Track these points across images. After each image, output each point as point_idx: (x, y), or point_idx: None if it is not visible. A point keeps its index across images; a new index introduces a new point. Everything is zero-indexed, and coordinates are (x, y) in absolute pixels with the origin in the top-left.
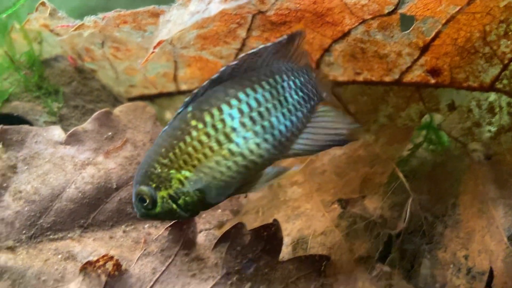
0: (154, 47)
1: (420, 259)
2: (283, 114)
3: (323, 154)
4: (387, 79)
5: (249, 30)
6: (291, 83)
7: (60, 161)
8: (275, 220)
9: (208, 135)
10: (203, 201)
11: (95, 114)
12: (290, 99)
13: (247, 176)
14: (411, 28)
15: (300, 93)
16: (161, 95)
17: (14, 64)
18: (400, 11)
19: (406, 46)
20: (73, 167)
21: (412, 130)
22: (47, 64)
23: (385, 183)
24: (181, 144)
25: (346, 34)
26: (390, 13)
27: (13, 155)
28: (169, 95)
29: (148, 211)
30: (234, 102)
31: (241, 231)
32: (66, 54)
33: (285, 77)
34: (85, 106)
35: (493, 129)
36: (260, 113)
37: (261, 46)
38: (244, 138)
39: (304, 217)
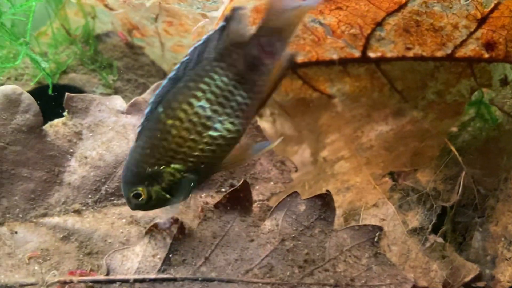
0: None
1: (471, 232)
2: (245, 90)
3: (369, 131)
4: (438, 54)
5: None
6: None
7: (122, 129)
8: (327, 190)
9: (187, 129)
10: (194, 185)
11: (154, 85)
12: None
13: (230, 151)
14: None
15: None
16: None
17: (70, 37)
18: None
19: (464, 18)
20: (135, 135)
21: (463, 105)
22: (99, 39)
23: (437, 157)
24: (164, 143)
25: (402, 6)
26: None
27: (78, 122)
28: None
29: (143, 204)
30: (199, 94)
31: (296, 199)
32: (117, 30)
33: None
34: (137, 80)
35: None
36: (225, 97)
37: (205, 36)
38: (220, 121)
39: (354, 189)
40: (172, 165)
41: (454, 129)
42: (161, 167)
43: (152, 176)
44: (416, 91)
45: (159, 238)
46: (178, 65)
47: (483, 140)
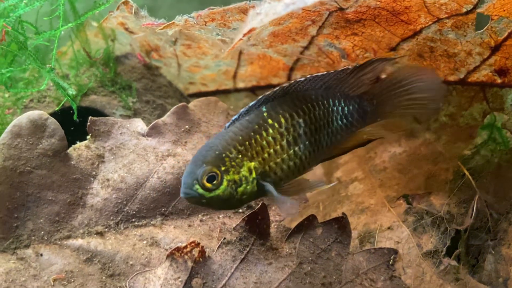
0: (244, 34)
1: (484, 254)
2: (327, 134)
3: (382, 152)
4: (451, 78)
5: (320, 27)
6: (339, 108)
7: (143, 151)
8: (343, 213)
9: (281, 134)
10: (256, 193)
11: (174, 108)
12: (335, 123)
13: (292, 178)
14: (485, 28)
15: (344, 120)
16: (217, 92)
17: (90, 59)
18: (478, 10)
19: (478, 46)
20: (155, 158)
21: (476, 128)
22: (118, 61)
23: (450, 180)
24: (258, 137)
25: (417, 33)
26: (467, 12)
27: (101, 145)
28: (225, 92)
29: (208, 192)
30: (301, 112)
31: (313, 223)
32: (135, 52)
33: (336, 102)
34: (155, 101)
35: None
36: (315, 128)
37: (325, 72)
38: (304, 144)
39: (369, 212)
40: (253, 162)
41: (468, 152)
42: (244, 158)
43: (233, 163)
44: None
45: (180, 261)
46: (293, 81)
47: (496, 164)
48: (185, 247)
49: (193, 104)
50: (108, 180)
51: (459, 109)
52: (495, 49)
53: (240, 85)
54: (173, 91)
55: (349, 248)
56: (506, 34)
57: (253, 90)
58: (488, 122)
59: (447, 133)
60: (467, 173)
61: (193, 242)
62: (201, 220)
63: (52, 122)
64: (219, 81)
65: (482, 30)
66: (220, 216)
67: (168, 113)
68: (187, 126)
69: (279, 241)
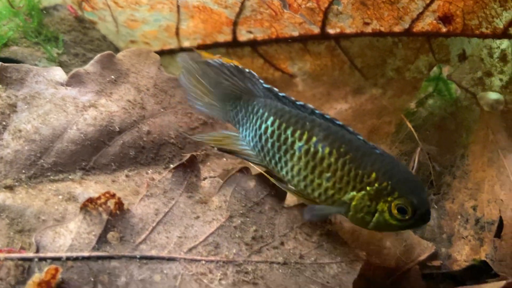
0: None
1: None
2: None
3: (329, 109)
4: (396, 29)
5: None
6: None
7: (61, 101)
8: None
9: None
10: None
11: (97, 56)
12: None
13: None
14: None
15: None
16: (162, 53)
17: (13, 9)
18: None
19: None
20: (74, 108)
21: (421, 81)
22: (46, 12)
23: (393, 133)
24: None
25: None
26: None
27: (13, 93)
28: (171, 52)
29: None
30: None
31: (246, 175)
32: (65, 4)
33: None
34: (85, 54)
35: (504, 78)
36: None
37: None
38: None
39: None
40: None
41: (412, 105)
42: None
43: None
44: (376, 69)
45: (94, 214)
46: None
47: (440, 116)
48: (99, 198)
49: (121, 54)
50: (20, 131)
51: (405, 62)
52: None
53: (185, 44)
54: (107, 45)
55: (283, 202)
56: None
57: (199, 49)
58: (434, 74)
59: (393, 87)
60: (409, 125)
61: (108, 192)
62: (127, 176)
63: None
64: (162, 39)
65: None
66: (149, 171)
67: (92, 62)
68: (113, 76)
69: (211, 195)
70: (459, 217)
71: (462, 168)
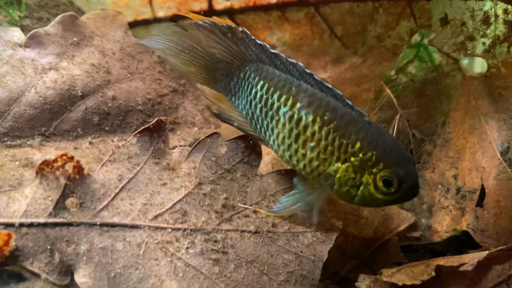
0: None
1: None
2: None
3: None
4: None
5: None
6: None
7: (19, 63)
8: None
9: None
10: None
11: (59, 17)
12: None
13: None
14: None
15: None
16: (136, 24)
17: None
18: None
19: None
20: (33, 71)
21: (401, 47)
22: None
23: (372, 99)
24: None
25: None
26: None
27: None
28: (145, 23)
29: None
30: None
31: (217, 141)
32: None
33: None
34: (50, 19)
35: (487, 41)
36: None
37: None
38: None
39: None
40: None
41: (392, 72)
42: None
43: None
44: (356, 36)
45: (51, 178)
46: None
47: (421, 82)
48: (55, 160)
49: (86, 16)
50: None
51: (386, 28)
52: None
53: (160, 13)
54: (74, 10)
55: (257, 169)
56: None
57: (175, 20)
58: (416, 40)
59: (373, 55)
60: (388, 91)
61: (65, 155)
62: (90, 143)
63: None
64: (135, 8)
65: None
66: (115, 139)
67: (53, 23)
68: (75, 39)
69: (180, 163)
70: (439, 186)
71: (443, 136)
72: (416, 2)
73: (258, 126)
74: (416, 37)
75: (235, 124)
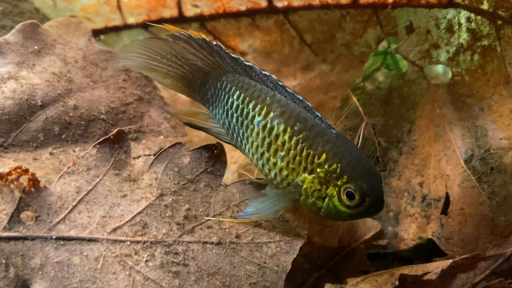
0: None
1: None
2: None
3: None
4: (343, 1)
5: None
6: None
7: None
8: (218, 142)
9: None
10: None
11: (20, 25)
12: None
13: None
14: None
15: None
16: (106, 30)
17: None
18: None
19: None
20: None
21: (369, 55)
22: None
23: (338, 108)
24: None
25: None
26: None
27: None
28: (116, 29)
29: None
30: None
31: (180, 151)
32: None
33: None
34: (13, 27)
35: (451, 49)
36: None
37: None
38: None
39: None
40: None
41: (359, 80)
42: None
43: None
44: (325, 44)
45: (5, 192)
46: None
47: (387, 90)
48: (9, 173)
49: (48, 23)
50: None
51: (354, 36)
52: None
53: (130, 20)
54: (40, 18)
55: (221, 179)
56: None
57: (145, 26)
58: (382, 48)
59: (341, 62)
60: (354, 99)
61: (19, 167)
62: (51, 154)
63: None
64: (105, 15)
65: None
66: (76, 149)
67: (13, 31)
68: (36, 47)
69: (142, 173)
70: (405, 194)
71: (409, 144)
72: (382, 10)
73: (235, 135)
74: (384, 45)
75: (213, 134)
